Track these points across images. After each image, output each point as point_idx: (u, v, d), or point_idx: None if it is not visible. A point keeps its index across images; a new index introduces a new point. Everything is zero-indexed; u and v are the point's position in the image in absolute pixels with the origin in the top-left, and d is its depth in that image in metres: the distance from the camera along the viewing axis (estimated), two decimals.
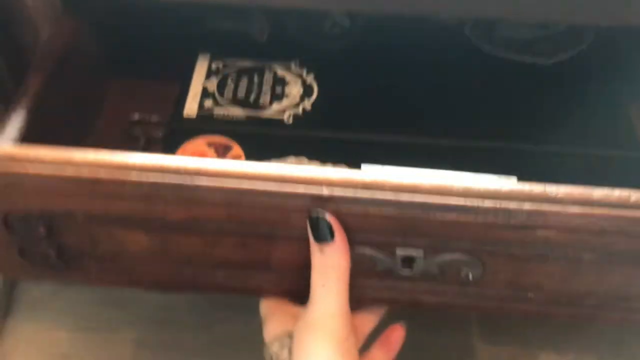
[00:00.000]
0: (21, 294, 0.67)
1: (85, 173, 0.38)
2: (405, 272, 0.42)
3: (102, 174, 0.38)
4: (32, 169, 0.38)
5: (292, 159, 0.50)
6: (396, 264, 0.42)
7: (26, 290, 0.67)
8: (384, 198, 0.38)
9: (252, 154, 0.50)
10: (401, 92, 0.54)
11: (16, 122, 0.43)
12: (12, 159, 0.39)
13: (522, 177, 0.46)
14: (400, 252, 0.41)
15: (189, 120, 0.52)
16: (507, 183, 0.38)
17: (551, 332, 0.74)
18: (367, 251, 0.41)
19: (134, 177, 0.38)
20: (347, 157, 0.49)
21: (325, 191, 0.38)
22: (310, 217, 0.39)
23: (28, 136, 0.43)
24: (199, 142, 0.50)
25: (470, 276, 0.42)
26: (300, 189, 0.38)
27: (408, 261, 0.42)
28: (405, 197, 0.38)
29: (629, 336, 0.75)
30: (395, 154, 0.50)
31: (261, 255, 0.43)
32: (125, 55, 0.58)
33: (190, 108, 0.53)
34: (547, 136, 0.51)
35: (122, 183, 0.38)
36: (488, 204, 0.38)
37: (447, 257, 0.41)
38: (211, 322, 0.68)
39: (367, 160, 0.49)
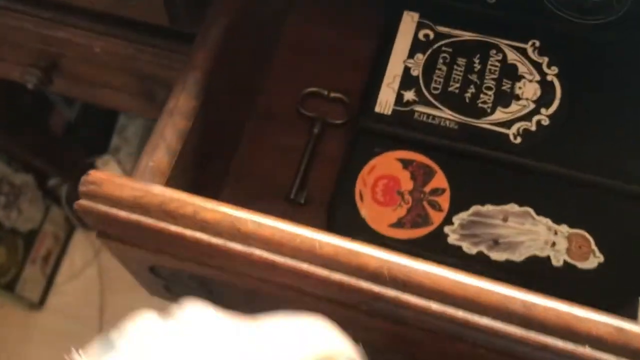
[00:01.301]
0: None
1: (257, 252, 0.28)
2: None
3: (278, 259, 0.28)
4: (190, 232, 0.29)
5: (514, 207, 0.36)
6: None
7: None
8: None
9: (460, 188, 0.37)
10: None
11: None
12: (167, 213, 0.29)
13: None
14: None
15: (382, 117, 0.39)
16: None
17: None
18: None
19: (319, 271, 0.28)
20: (593, 218, 0.36)
21: (588, 351, 0.26)
22: None
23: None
24: (392, 159, 0.38)
25: None
26: (552, 343, 0.26)
27: None
28: None
29: None
30: None
31: None
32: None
33: (385, 99, 0.39)
34: None
35: (304, 277, 0.28)
36: None
37: None
38: None
39: (622, 229, 0.35)
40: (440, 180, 0.37)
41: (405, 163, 0.38)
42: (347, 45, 0.44)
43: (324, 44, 0.44)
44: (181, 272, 0.32)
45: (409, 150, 0.38)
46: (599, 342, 0.26)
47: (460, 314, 0.27)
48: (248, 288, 0.30)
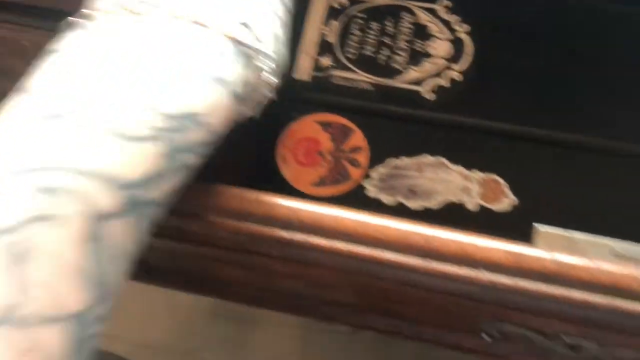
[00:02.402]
0: None
1: None
2: (569, 355, 0.33)
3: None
4: None
5: (428, 157, 0.38)
6: (559, 348, 0.32)
7: None
8: (570, 298, 0.27)
9: (377, 144, 0.39)
10: (595, 74, 0.39)
11: None
12: None
13: None
14: (569, 340, 0.31)
15: (301, 84, 0.40)
16: None
17: None
18: (526, 332, 0.31)
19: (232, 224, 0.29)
20: (504, 163, 0.37)
21: (483, 275, 0.28)
22: None
23: None
24: (312, 122, 0.39)
25: None
26: (447, 268, 0.28)
27: (575, 349, 0.32)
28: (602, 301, 0.27)
29: None
30: (575, 163, 0.37)
31: (381, 301, 0.34)
32: None
33: (303, 66, 0.41)
34: None
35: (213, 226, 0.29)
36: None
37: (633, 355, 0.31)
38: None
39: (533, 172, 0.37)
40: (358, 138, 0.39)
41: (325, 125, 0.39)
42: None
43: None
44: None
45: (328, 112, 0.40)
46: (494, 266, 0.27)
47: (365, 250, 0.28)
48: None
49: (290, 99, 0.40)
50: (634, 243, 0.32)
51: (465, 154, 0.38)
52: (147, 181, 0.24)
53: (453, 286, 0.28)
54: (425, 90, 0.40)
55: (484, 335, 0.33)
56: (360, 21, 0.42)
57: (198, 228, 0.28)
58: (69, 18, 0.28)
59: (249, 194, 0.29)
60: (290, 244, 0.28)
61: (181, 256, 0.37)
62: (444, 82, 0.40)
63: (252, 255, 0.30)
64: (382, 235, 0.28)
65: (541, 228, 0.33)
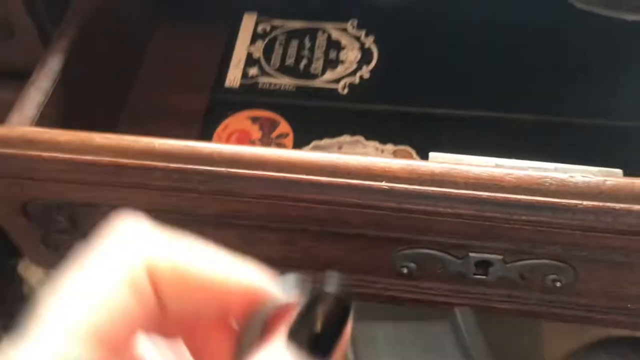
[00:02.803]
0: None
1: (105, 159, 0.33)
2: (479, 275, 0.36)
3: (125, 160, 0.33)
4: (47, 153, 0.33)
5: (347, 137, 0.43)
6: (468, 268, 0.35)
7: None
8: (457, 193, 0.31)
9: (302, 131, 0.44)
10: (476, 57, 0.46)
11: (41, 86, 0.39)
12: (26, 141, 0.34)
13: (629, 168, 0.38)
14: (475, 256, 0.35)
15: (232, 90, 0.46)
16: (611, 177, 0.31)
17: None
18: (435, 253, 0.35)
19: (161, 164, 0.33)
20: (412, 137, 0.42)
21: (384, 185, 0.32)
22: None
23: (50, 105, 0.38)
24: (242, 118, 0.44)
25: (559, 284, 0.35)
26: (355, 182, 0.32)
27: (483, 266, 0.35)
28: (483, 194, 0.31)
29: None
30: (469, 132, 0.43)
31: (309, 253, 0.37)
32: (165, 15, 0.52)
33: (233, 76, 0.47)
34: None
35: (148, 171, 0.33)
36: (588, 203, 0.30)
37: (532, 262, 0.34)
38: None
39: (435, 141, 0.42)
40: (284, 127, 0.44)
41: (254, 119, 0.44)
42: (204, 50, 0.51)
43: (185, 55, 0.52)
44: (49, 206, 0.36)
45: (256, 110, 0.45)
46: (393, 177, 0.32)
47: (284, 175, 0.32)
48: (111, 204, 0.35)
49: (222, 102, 0.45)
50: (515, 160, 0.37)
51: (379, 132, 0.43)
52: None
53: (362, 201, 0.32)
54: (340, 87, 0.46)
55: (403, 270, 0.36)
56: (282, 40, 0.48)
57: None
58: None
59: (179, 142, 0.33)
60: (214, 175, 0.32)
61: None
62: (355, 80, 0.46)
63: (182, 193, 0.33)
64: (297, 162, 0.32)
65: (433, 154, 0.39)
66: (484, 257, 0.35)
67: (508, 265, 0.35)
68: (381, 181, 0.32)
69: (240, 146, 0.33)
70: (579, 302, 0.38)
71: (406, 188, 0.31)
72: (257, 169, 0.32)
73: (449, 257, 0.35)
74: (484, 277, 0.36)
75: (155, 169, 0.33)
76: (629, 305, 0.37)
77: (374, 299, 0.40)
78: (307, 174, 0.32)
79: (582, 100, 0.44)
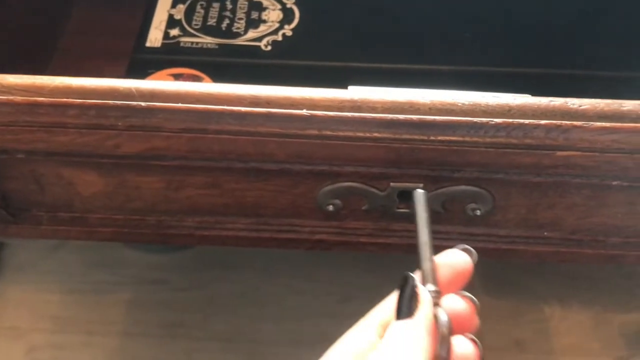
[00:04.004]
0: (8, 258, 0.65)
1: (19, 97, 0.32)
2: (402, 209, 0.37)
3: (40, 98, 0.32)
4: None
5: None
6: (392, 200, 0.36)
7: (14, 254, 0.65)
8: (374, 117, 0.32)
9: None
10: (394, 14, 0.48)
11: None
12: None
13: None
14: (396, 185, 0.35)
15: (153, 50, 0.45)
16: (520, 97, 0.32)
17: (556, 283, 0.70)
18: (357, 185, 0.36)
19: (77, 101, 0.32)
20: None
21: (305, 112, 0.32)
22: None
23: None
24: (164, 75, 0.44)
25: (478, 212, 0.37)
26: (276, 110, 0.32)
27: (406, 198, 0.36)
28: (400, 117, 0.32)
29: (638, 288, 0.71)
30: (387, 82, 0.44)
31: (235, 196, 0.37)
32: None
33: (154, 37, 0.46)
34: (567, 58, 0.45)
35: (64, 108, 0.32)
36: (499, 120, 0.32)
37: (451, 189, 0.36)
38: (204, 281, 0.66)
39: None
40: (207, 82, 0.44)
41: (176, 76, 0.44)
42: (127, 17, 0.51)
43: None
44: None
45: (178, 67, 0.45)
46: (313, 105, 0.32)
47: (203, 107, 0.32)
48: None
49: (143, 61, 0.45)
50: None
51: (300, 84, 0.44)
52: None
53: (284, 130, 0.32)
54: (263, 45, 0.46)
55: (328, 208, 0.37)
56: (204, 3, 0.48)
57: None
58: None
59: (96, 79, 0.32)
60: (132, 110, 0.31)
61: None
62: (278, 37, 0.46)
63: (101, 130, 0.33)
64: (217, 94, 0.32)
65: (352, 87, 0.40)
66: (405, 186, 0.35)
67: (429, 194, 0.36)
68: (302, 109, 0.32)
69: (159, 81, 0.33)
70: (499, 234, 0.39)
71: (326, 114, 0.32)
72: (176, 102, 0.32)
73: (372, 189, 0.36)
74: (407, 210, 0.37)
75: (72, 105, 0.32)
76: (545, 233, 0.39)
77: (303, 244, 0.40)
78: (227, 106, 0.32)
79: (497, 49, 0.46)
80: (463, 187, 0.35)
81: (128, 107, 0.32)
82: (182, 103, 0.32)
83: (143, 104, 0.32)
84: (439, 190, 0.36)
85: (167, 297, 0.65)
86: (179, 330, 0.64)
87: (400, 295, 0.27)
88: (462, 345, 0.26)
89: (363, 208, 0.37)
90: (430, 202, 0.36)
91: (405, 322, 0.26)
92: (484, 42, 0.47)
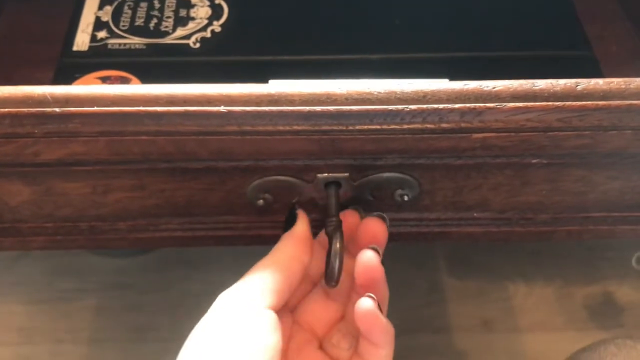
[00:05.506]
0: None
1: None
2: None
3: None
4: None
5: None
6: (320, 191, 0.36)
7: None
8: (293, 110, 0.32)
9: None
10: (324, 5, 0.48)
11: None
12: None
13: None
14: (322, 176, 0.36)
15: (80, 54, 0.45)
16: (434, 83, 0.33)
17: (520, 260, 0.72)
18: (284, 178, 0.36)
19: None
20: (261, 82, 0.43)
21: (222, 109, 0.32)
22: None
23: None
24: (91, 79, 0.44)
25: (406, 197, 0.37)
26: (193, 108, 0.32)
27: (334, 188, 0.36)
28: (317, 108, 0.32)
29: (599, 260, 0.72)
30: (315, 75, 0.44)
31: (165, 197, 0.37)
32: None
33: (81, 40, 0.46)
34: (483, 40, 0.46)
35: None
36: (414, 106, 0.32)
37: (376, 177, 0.36)
38: (170, 282, 0.66)
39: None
40: (136, 84, 0.43)
41: (104, 79, 0.44)
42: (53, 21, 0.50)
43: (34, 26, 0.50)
44: None
45: (106, 70, 0.44)
46: (230, 102, 0.32)
47: (118, 109, 0.32)
48: None
49: (70, 66, 0.44)
50: None
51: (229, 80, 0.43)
52: None
53: (202, 127, 0.32)
54: (192, 42, 0.46)
55: (259, 202, 0.37)
56: (131, 4, 0.48)
57: None
58: None
59: (9, 87, 0.32)
60: (47, 117, 0.31)
61: None
62: (207, 34, 0.46)
63: (19, 139, 0.32)
64: (132, 95, 0.32)
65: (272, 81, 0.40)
66: (331, 176, 0.36)
67: (356, 183, 0.36)
68: (219, 106, 0.32)
69: (73, 86, 0.33)
70: (430, 218, 0.40)
71: (244, 110, 0.32)
72: (91, 106, 0.32)
73: (299, 181, 0.36)
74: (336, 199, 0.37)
75: None
76: (475, 214, 0.39)
77: (240, 240, 0.40)
78: (144, 107, 0.32)
79: (417, 37, 0.46)
80: (387, 174, 0.36)
81: (43, 113, 0.32)
82: (97, 106, 0.32)
83: (58, 109, 0.32)
84: (365, 179, 0.36)
85: (133, 300, 0.65)
86: (148, 334, 0.64)
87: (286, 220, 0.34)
88: (365, 255, 0.32)
89: (294, 201, 0.37)
90: (358, 191, 0.37)
91: (283, 235, 0.34)
92: (413, 29, 0.47)
